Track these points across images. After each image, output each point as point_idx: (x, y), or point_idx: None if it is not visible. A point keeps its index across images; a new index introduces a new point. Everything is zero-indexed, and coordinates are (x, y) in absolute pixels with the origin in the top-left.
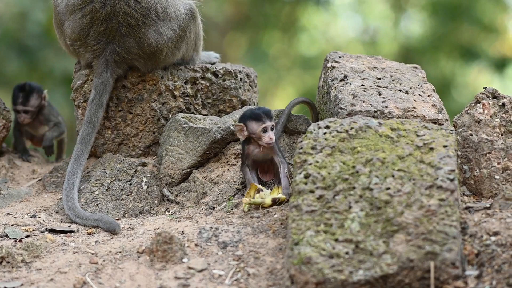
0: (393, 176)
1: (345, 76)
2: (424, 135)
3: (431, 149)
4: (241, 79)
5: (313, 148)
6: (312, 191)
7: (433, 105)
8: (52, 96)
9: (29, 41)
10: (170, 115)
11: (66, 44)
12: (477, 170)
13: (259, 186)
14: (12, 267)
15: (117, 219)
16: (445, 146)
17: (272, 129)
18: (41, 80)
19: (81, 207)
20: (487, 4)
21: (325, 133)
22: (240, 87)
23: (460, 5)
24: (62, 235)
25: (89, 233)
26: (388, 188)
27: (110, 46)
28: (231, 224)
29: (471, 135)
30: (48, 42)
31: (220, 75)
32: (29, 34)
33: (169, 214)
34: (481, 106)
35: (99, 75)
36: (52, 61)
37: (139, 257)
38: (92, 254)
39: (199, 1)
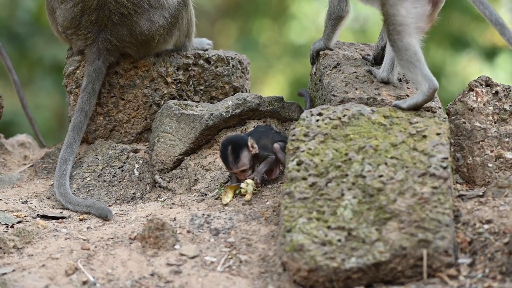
0: (386, 163)
1: (338, 64)
2: (417, 122)
3: (424, 136)
4: (233, 65)
5: (305, 135)
6: (304, 178)
7: None
8: (41, 84)
9: (19, 28)
10: (162, 102)
11: (58, 31)
12: (470, 158)
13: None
14: (4, 253)
15: (109, 206)
16: (438, 134)
17: (244, 171)
18: (31, 67)
19: (73, 193)
20: None
21: (317, 120)
22: (232, 74)
23: None
24: (53, 221)
25: (81, 219)
26: (381, 176)
27: (102, 34)
28: (223, 211)
29: (464, 123)
30: (38, 30)
31: (212, 62)
32: (19, 22)
33: (161, 201)
34: (474, 94)
35: (91, 63)
36: (42, 49)
37: (131, 243)
38: (84, 240)
39: None
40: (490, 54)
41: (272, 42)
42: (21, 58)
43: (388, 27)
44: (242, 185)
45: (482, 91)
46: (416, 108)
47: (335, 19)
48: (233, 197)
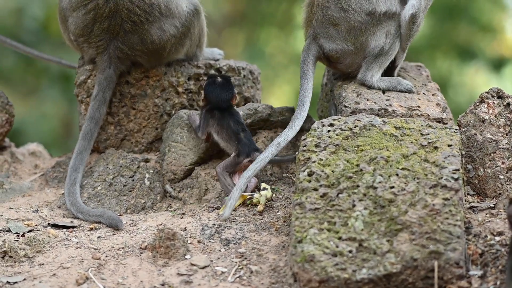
0: (397, 174)
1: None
2: (428, 134)
3: (436, 148)
4: (244, 76)
5: (317, 145)
6: (315, 189)
7: (438, 104)
8: (48, 92)
9: (25, 36)
10: (173, 111)
11: (70, 39)
12: (481, 170)
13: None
14: (15, 262)
15: (120, 215)
16: (449, 145)
17: None
18: (38, 75)
19: (83, 202)
20: (485, 4)
21: (329, 131)
22: (243, 84)
23: (458, 4)
24: (64, 230)
25: (91, 229)
26: (392, 187)
27: (114, 42)
28: (233, 221)
29: (476, 134)
30: (45, 38)
31: (223, 72)
32: (25, 30)
33: (171, 211)
34: (485, 106)
35: (102, 71)
36: None
37: (141, 253)
38: (95, 249)
39: None
40: (497, 65)
41: (278, 52)
42: (28, 67)
43: None
44: (255, 195)
45: (493, 102)
46: None
47: None
48: (239, 206)
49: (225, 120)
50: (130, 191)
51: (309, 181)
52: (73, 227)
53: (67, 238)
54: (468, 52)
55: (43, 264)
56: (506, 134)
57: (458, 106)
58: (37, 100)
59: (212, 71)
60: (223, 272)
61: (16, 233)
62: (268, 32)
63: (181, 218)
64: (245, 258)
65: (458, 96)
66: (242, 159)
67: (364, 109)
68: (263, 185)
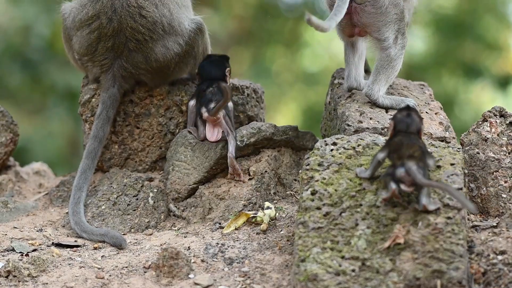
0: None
1: (352, 93)
2: (431, 153)
3: (438, 167)
4: (248, 94)
5: (320, 164)
6: (318, 208)
7: (440, 123)
8: (54, 110)
9: (32, 54)
10: (177, 130)
11: (74, 58)
12: (484, 189)
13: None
14: (19, 281)
15: (123, 234)
16: (452, 164)
17: None
18: (44, 94)
19: (87, 221)
20: (491, 22)
21: (332, 150)
22: (247, 103)
23: (463, 22)
24: (68, 249)
25: (95, 248)
26: (394, 206)
27: (118, 61)
28: (237, 240)
29: (478, 153)
30: (51, 56)
31: None
32: (32, 48)
33: (175, 230)
34: (488, 125)
35: (106, 90)
36: (55, 75)
37: (145, 272)
38: (99, 269)
39: (205, 15)
40: (503, 83)
41: (284, 70)
42: (34, 84)
43: None
44: (259, 214)
45: (496, 121)
46: None
47: None
48: (241, 225)
49: (205, 85)
50: (134, 210)
51: (312, 200)
52: (77, 246)
53: (71, 258)
54: (474, 70)
55: (47, 283)
56: (509, 153)
57: (463, 124)
58: (43, 118)
59: None
60: None
61: (20, 252)
62: (274, 50)
63: (184, 237)
64: (249, 277)
65: (464, 114)
66: (202, 110)
67: (367, 128)
68: (266, 204)
